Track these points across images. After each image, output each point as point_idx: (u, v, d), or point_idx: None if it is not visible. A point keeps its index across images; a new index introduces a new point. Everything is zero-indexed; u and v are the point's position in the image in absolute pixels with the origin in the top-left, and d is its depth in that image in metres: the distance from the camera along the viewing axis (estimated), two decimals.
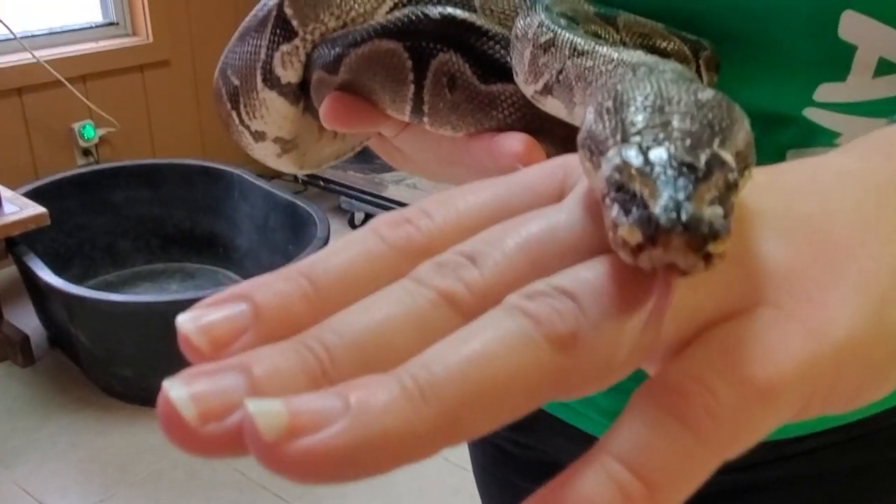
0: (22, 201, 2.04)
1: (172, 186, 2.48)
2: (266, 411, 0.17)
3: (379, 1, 0.41)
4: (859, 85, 0.38)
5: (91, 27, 2.66)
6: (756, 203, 0.22)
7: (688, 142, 0.20)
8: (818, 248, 0.22)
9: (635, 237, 0.18)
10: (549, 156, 0.35)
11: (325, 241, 2.10)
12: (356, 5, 0.41)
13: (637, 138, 0.20)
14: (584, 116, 0.23)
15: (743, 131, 0.21)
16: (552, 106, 0.34)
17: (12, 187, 2.10)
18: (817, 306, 0.21)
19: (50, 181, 2.32)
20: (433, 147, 0.43)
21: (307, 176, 2.88)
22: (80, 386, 2.07)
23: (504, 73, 0.38)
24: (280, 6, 0.43)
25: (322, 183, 2.86)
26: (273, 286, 0.20)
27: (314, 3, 0.42)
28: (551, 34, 0.33)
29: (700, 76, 0.37)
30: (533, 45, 0.34)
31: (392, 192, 2.71)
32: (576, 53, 0.31)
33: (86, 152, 2.62)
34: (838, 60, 0.38)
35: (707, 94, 0.22)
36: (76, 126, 2.57)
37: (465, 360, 0.18)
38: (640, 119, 0.21)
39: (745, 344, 0.19)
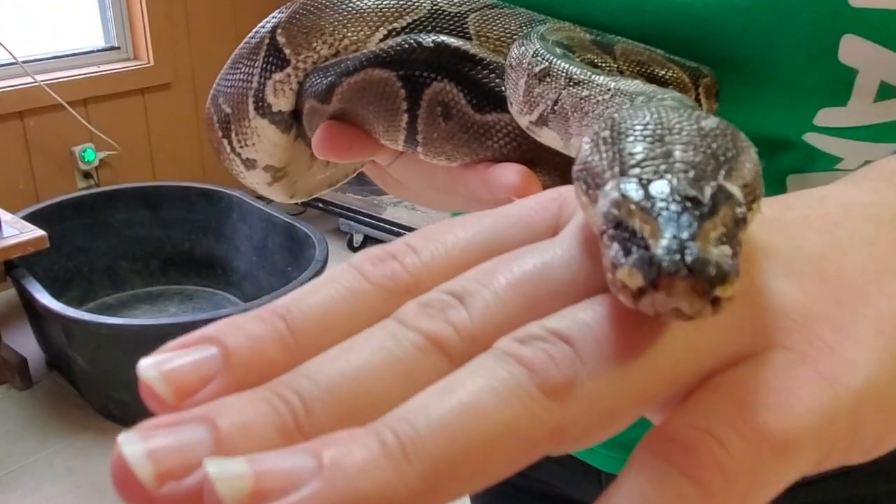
0: (21, 224, 2.05)
1: (172, 208, 2.49)
2: (228, 474, 0.15)
3: (372, 29, 0.41)
4: (860, 109, 0.38)
5: (93, 51, 2.68)
6: (764, 239, 0.21)
7: (691, 174, 0.18)
8: (831, 286, 0.20)
9: (636, 281, 0.17)
10: (545, 186, 0.35)
11: (324, 263, 2.10)
12: (349, 33, 0.41)
13: (636, 170, 0.19)
14: (580, 147, 0.21)
15: (750, 161, 0.20)
16: (548, 137, 0.33)
17: (13, 210, 2.11)
18: (832, 349, 0.19)
19: (50, 204, 2.33)
20: (428, 176, 0.42)
21: None
22: (77, 409, 2.07)
23: (499, 101, 0.37)
24: (273, 34, 0.43)
25: (321, 205, 2.86)
26: (245, 328, 0.18)
27: (307, 31, 0.42)
28: (546, 63, 0.32)
29: (700, 103, 0.37)
30: (528, 75, 0.33)
31: (390, 213, 2.72)
32: (571, 83, 0.31)
33: (86, 175, 2.63)
34: (839, 85, 0.37)
35: (710, 121, 0.20)
36: (77, 149, 2.59)
37: (452, 413, 0.16)
38: (639, 150, 0.19)
39: (756, 391, 0.18)
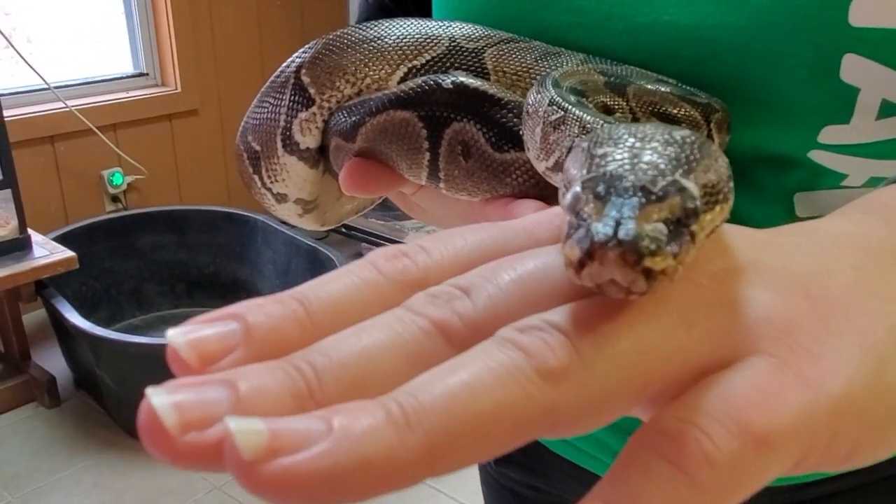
0: (52, 245, 2.09)
1: (198, 232, 2.53)
2: (246, 429, 0.16)
3: (393, 67, 0.42)
4: (863, 127, 0.38)
5: (122, 77, 2.74)
6: (754, 256, 0.22)
7: (650, 172, 0.20)
8: (815, 302, 0.21)
9: (575, 253, 0.18)
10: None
11: None
12: (371, 72, 0.42)
13: (603, 169, 0.21)
14: (569, 157, 0.23)
15: (716, 168, 0.22)
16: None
17: (44, 232, 2.16)
18: (815, 358, 0.20)
19: (79, 226, 2.38)
20: (450, 206, 0.43)
21: None
22: (104, 427, 2.09)
23: (517, 140, 0.38)
24: (297, 73, 0.44)
25: (344, 229, 2.90)
26: (265, 308, 0.20)
27: (330, 71, 0.43)
28: (561, 112, 0.33)
29: (711, 138, 0.38)
30: (543, 123, 0.34)
31: (412, 238, 2.74)
32: (585, 131, 0.32)
33: (114, 199, 2.69)
34: (841, 103, 0.38)
35: (682, 133, 0.22)
36: (105, 173, 2.64)
37: (454, 390, 0.17)
38: (606, 153, 0.21)
39: (742, 391, 0.19)
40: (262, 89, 0.47)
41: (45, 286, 2.10)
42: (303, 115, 0.44)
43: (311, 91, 0.43)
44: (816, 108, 0.39)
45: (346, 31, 0.43)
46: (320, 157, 0.47)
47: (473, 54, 0.41)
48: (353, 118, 0.42)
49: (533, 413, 0.18)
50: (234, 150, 0.51)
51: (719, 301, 0.21)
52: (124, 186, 2.68)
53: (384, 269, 0.21)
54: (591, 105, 0.35)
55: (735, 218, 0.44)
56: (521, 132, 0.37)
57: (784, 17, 0.37)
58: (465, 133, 0.39)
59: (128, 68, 2.78)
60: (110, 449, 2.03)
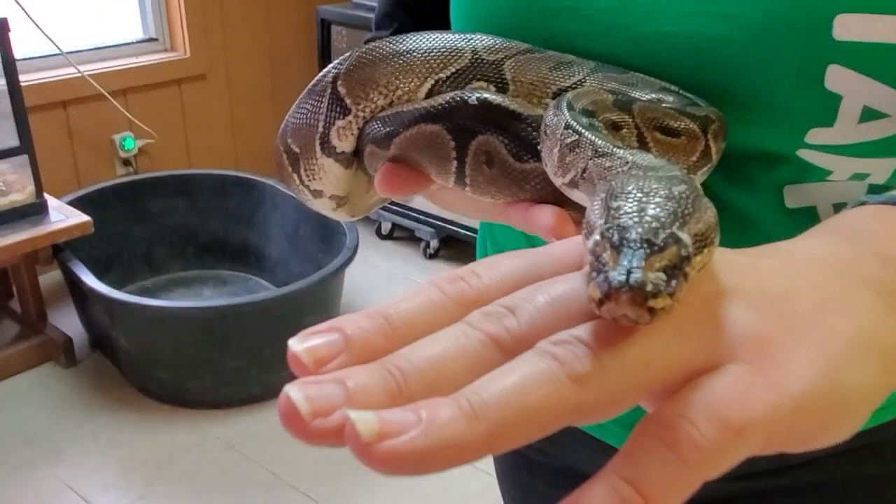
0: (67, 210, 2.14)
1: (207, 196, 2.57)
2: (363, 419, 0.22)
3: (421, 80, 0.46)
4: (846, 130, 0.42)
5: (132, 43, 2.77)
6: (736, 281, 0.28)
7: (654, 224, 0.25)
8: (785, 319, 0.27)
9: (597, 294, 0.24)
10: (575, 221, 0.41)
11: (354, 250, 2.17)
12: (401, 84, 0.46)
13: (617, 220, 0.26)
14: (588, 207, 0.29)
15: (705, 219, 0.27)
16: (578, 197, 0.38)
17: (56, 195, 2.21)
18: (780, 365, 0.25)
19: (92, 190, 2.42)
20: (474, 203, 0.48)
21: None
22: (119, 387, 2.16)
23: (536, 152, 0.42)
24: (334, 84, 0.48)
25: None
26: (358, 322, 0.26)
27: (364, 84, 0.47)
28: (576, 136, 0.37)
29: (709, 147, 0.42)
30: (560, 145, 0.38)
31: (418, 202, 2.79)
32: (597, 154, 0.36)
33: (125, 162, 2.73)
34: (826, 109, 0.42)
35: (680, 188, 0.28)
36: (117, 137, 2.68)
37: (507, 389, 0.23)
38: (620, 207, 0.27)
39: (722, 391, 0.24)
40: (302, 94, 0.51)
41: (61, 249, 2.15)
42: (340, 122, 0.48)
43: (348, 101, 0.47)
44: (803, 113, 0.42)
45: (377, 44, 0.47)
46: (354, 158, 0.51)
47: (494, 66, 0.45)
48: (387, 129, 0.46)
49: (565, 407, 0.23)
50: (273, 153, 0.56)
51: (707, 319, 0.26)
52: (135, 151, 2.72)
53: (447, 290, 0.27)
54: (601, 124, 0.39)
55: (730, 209, 0.49)
56: (539, 146, 0.41)
57: (774, 31, 0.41)
58: (488, 144, 0.43)
59: (138, 34, 2.80)
60: (126, 407, 2.10)
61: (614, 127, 0.41)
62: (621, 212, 0.26)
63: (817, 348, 0.26)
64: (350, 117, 0.48)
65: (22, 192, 2.10)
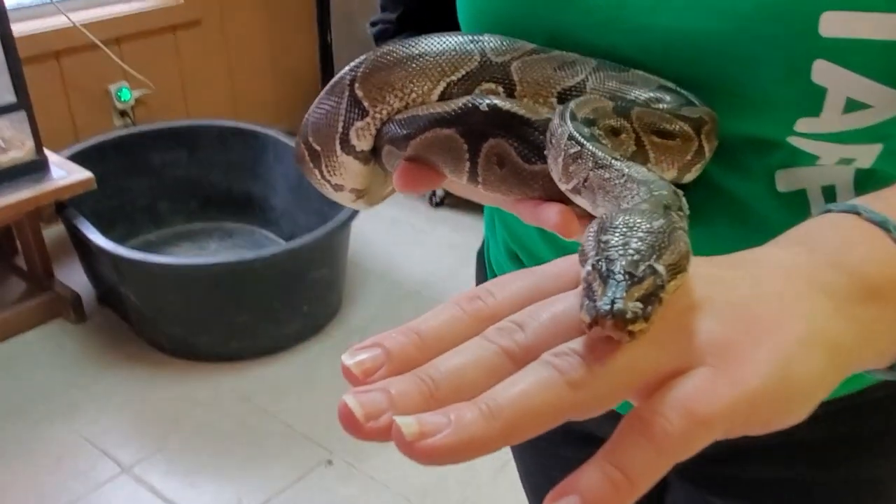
0: (69, 166, 2.12)
1: (208, 148, 2.55)
2: (406, 423, 0.27)
3: (434, 83, 0.49)
4: (832, 119, 0.45)
5: None
6: (705, 293, 0.32)
7: (635, 257, 0.30)
8: (746, 325, 0.31)
9: (586, 319, 0.29)
10: (579, 216, 0.44)
11: None
12: (416, 88, 0.49)
13: (606, 253, 0.31)
14: (585, 234, 0.33)
15: (679, 250, 0.31)
16: (580, 202, 0.42)
17: (55, 149, 2.17)
18: (740, 365, 0.30)
19: (91, 144, 2.39)
20: (486, 195, 0.51)
21: None
22: (130, 342, 2.18)
23: (543, 154, 0.45)
24: (352, 87, 0.51)
25: None
26: (397, 338, 0.31)
27: (380, 87, 0.50)
28: (578, 147, 0.41)
29: (702, 147, 0.46)
30: (564, 155, 0.41)
31: None
32: (597, 166, 0.40)
33: (122, 113, 2.69)
34: (812, 100, 0.45)
35: (659, 222, 0.32)
36: (112, 88, 2.63)
37: (518, 394, 0.28)
38: (608, 240, 0.32)
39: (691, 390, 0.29)
40: (321, 94, 0.53)
41: (64, 206, 2.13)
42: (359, 123, 0.51)
43: (365, 104, 0.51)
44: (791, 104, 0.45)
45: (391, 48, 0.50)
46: (372, 155, 0.54)
47: (501, 67, 0.49)
48: (405, 131, 0.50)
49: (564, 407, 0.29)
50: (294, 150, 0.58)
51: (680, 330, 0.31)
52: (132, 101, 2.68)
53: (466, 309, 0.33)
54: (601, 132, 0.43)
55: (725, 193, 0.53)
56: (545, 152, 0.44)
57: (763, 27, 0.44)
58: (499, 147, 0.46)
59: None
60: (139, 362, 2.12)
61: (614, 132, 0.44)
62: (609, 245, 0.31)
63: (772, 349, 0.31)
64: (368, 119, 0.51)
65: (21, 149, 2.07)
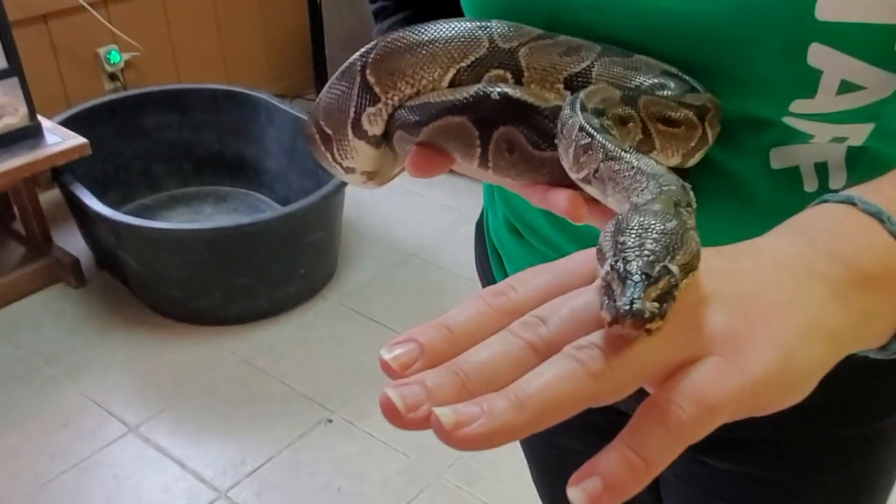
0: (63, 132, 2.12)
1: (199, 111, 2.55)
2: (444, 413, 0.29)
3: (444, 70, 0.50)
4: (826, 101, 0.47)
5: None
6: (713, 287, 0.34)
7: (651, 258, 0.32)
8: (750, 317, 0.34)
9: (606, 318, 0.31)
10: (587, 201, 0.45)
11: None
12: (426, 74, 0.50)
13: (623, 254, 0.32)
14: (601, 235, 0.35)
15: (690, 250, 0.33)
16: (591, 191, 0.43)
17: (47, 114, 2.18)
18: (745, 355, 0.32)
19: (82, 109, 2.38)
20: (494, 178, 0.52)
21: None
22: (130, 306, 2.21)
23: (551, 141, 0.46)
24: (363, 73, 0.51)
25: None
26: (429, 333, 0.33)
27: (391, 73, 0.50)
28: (589, 139, 0.42)
29: (706, 133, 0.47)
30: (575, 145, 0.43)
31: None
32: (607, 158, 0.41)
33: (112, 77, 2.68)
34: (808, 82, 0.46)
35: (672, 224, 0.34)
36: (102, 51, 2.62)
37: (543, 385, 0.30)
38: (625, 241, 0.33)
39: (701, 378, 0.32)
40: (333, 77, 0.54)
41: (60, 172, 2.14)
42: (370, 109, 0.52)
43: (377, 90, 0.51)
44: (787, 85, 0.47)
45: (400, 34, 0.51)
46: (383, 139, 0.55)
47: (509, 53, 0.50)
48: (417, 118, 0.51)
49: (585, 396, 0.31)
50: (305, 133, 0.59)
51: (690, 323, 0.33)
52: (121, 64, 2.67)
53: (491, 304, 0.35)
54: (610, 121, 0.44)
55: (721, 170, 0.56)
56: (555, 138, 0.45)
57: (760, 11, 0.45)
58: (509, 134, 0.48)
59: None
60: (140, 326, 2.16)
61: (622, 121, 0.45)
62: (626, 247, 0.33)
63: (773, 338, 0.33)
64: (380, 105, 0.52)
65: (15, 115, 2.07)
